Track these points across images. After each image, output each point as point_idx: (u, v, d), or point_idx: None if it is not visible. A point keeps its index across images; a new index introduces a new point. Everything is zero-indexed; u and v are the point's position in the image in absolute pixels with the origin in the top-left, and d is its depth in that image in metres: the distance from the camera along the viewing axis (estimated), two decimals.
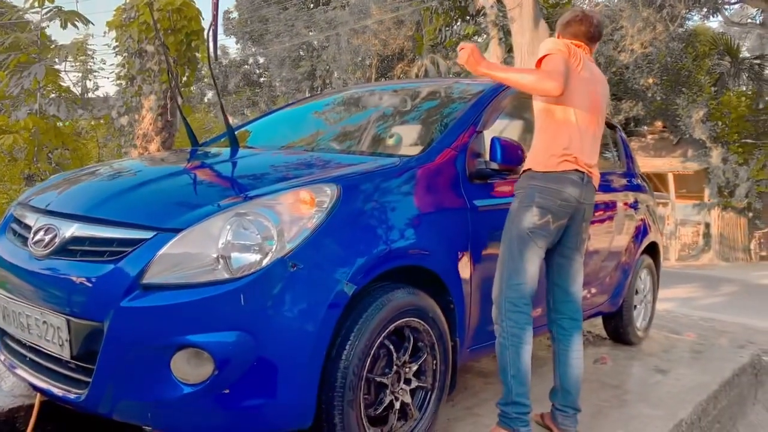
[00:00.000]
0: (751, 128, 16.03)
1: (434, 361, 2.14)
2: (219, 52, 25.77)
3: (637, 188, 3.80)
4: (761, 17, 14.84)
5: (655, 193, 4.52)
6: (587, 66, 2.34)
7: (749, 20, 16.75)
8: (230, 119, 2.83)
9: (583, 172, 2.26)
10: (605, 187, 3.24)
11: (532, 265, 2.21)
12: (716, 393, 3.09)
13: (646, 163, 16.80)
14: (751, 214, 16.39)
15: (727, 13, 16.56)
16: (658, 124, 18.40)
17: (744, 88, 16.87)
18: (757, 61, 16.50)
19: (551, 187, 2.20)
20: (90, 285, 1.72)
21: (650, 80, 16.26)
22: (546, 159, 2.24)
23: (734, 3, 15.21)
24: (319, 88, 21.03)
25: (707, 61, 16.32)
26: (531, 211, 2.20)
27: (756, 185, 15.80)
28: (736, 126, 16.12)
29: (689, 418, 2.70)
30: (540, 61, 2.21)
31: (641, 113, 17.33)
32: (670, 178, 18.52)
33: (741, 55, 16.91)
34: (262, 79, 26.69)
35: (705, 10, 15.11)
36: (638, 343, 3.88)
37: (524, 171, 2.31)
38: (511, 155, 2.36)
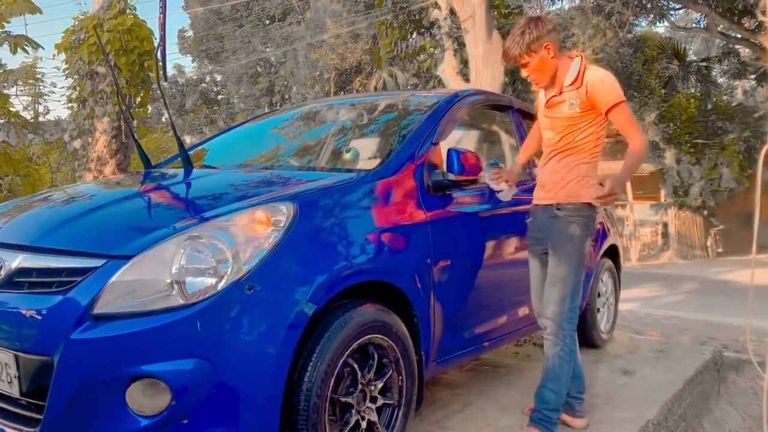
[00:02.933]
0: (701, 129, 16.56)
1: (400, 377, 2.12)
2: (174, 72, 25.52)
3: None
4: (705, 21, 15.42)
5: None
6: None
7: (694, 25, 17.37)
8: (188, 138, 2.78)
9: None
10: None
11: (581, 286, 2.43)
12: (681, 392, 3.13)
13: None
14: (706, 212, 16.89)
15: (672, 18, 17.15)
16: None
17: (693, 90, 17.45)
18: (704, 64, 17.11)
19: (595, 216, 2.42)
20: (39, 318, 1.66)
21: None
22: (587, 191, 2.36)
23: (679, 8, 15.73)
24: (278, 104, 20.95)
25: (656, 65, 16.81)
26: (589, 240, 2.41)
27: (709, 184, 16.31)
28: (687, 127, 16.62)
29: (656, 419, 2.73)
30: (616, 104, 2.27)
31: None
32: None
33: (688, 59, 17.51)
34: (220, 97, 26.45)
35: (651, 15, 15.61)
36: (603, 346, 3.92)
37: (582, 203, 2.37)
38: (468, 165, 2.38)
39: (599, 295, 3.86)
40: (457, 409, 2.74)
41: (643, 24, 17.43)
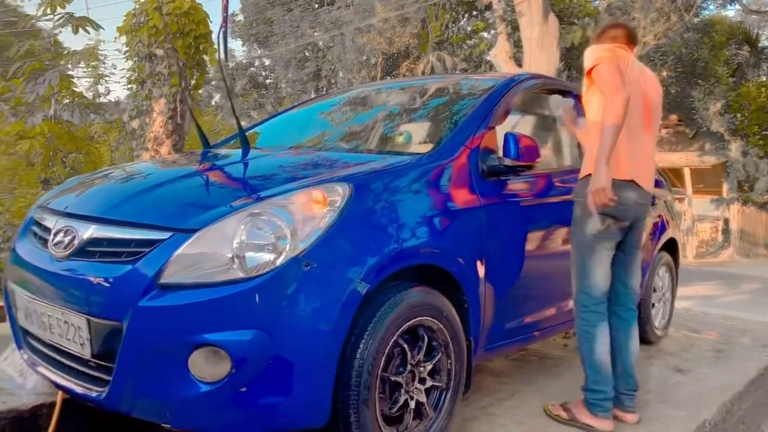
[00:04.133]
0: None
1: (449, 361, 2.14)
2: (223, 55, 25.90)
3: (655, 183, 3.75)
4: None
5: (672, 188, 4.46)
6: (635, 65, 2.41)
7: None
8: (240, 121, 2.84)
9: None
10: None
11: (600, 267, 2.39)
12: (741, 393, 3.02)
13: (661, 158, 16.58)
14: None
15: (744, 1, 16.29)
16: (673, 117, 18.15)
17: (764, 79, 16.55)
18: None
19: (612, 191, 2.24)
20: (109, 285, 1.75)
21: (664, 73, 16.06)
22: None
23: None
24: (324, 88, 21.07)
25: (725, 51, 16.02)
26: (593, 219, 2.33)
27: None
28: (756, 118, 15.78)
29: (713, 419, 2.65)
30: (590, 71, 2.31)
31: None
32: (687, 172, 18.26)
33: (761, 45, 16.59)
34: (268, 81, 26.78)
35: None
36: (657, 342, 3.82)
37: (582, 177, 2.40)
38: (525, 151, 2.35)
39: (655, 290, 3.75)
40: (503, 396, 2.74)
41: (712, 7, 16.64)
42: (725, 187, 16.99)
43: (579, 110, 3.20)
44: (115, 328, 1.71)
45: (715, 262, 15.69)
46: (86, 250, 1.87)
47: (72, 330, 1.83)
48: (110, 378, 1.72)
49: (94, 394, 1.77)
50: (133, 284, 1.69)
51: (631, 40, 2.50)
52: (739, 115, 15.76)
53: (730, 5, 15.88)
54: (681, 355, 3.67)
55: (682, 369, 3.37)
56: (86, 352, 1.80)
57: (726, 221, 17.34)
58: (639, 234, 2.51)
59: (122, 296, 1.71)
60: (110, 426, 2.19)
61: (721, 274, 11.82)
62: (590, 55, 2.35)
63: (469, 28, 16.11)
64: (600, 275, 2.39)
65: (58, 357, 1.94)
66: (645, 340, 3.72)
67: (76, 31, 7.35)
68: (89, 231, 1.90)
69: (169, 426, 1.73)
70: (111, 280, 1.74)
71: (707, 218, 18.14)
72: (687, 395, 2.92)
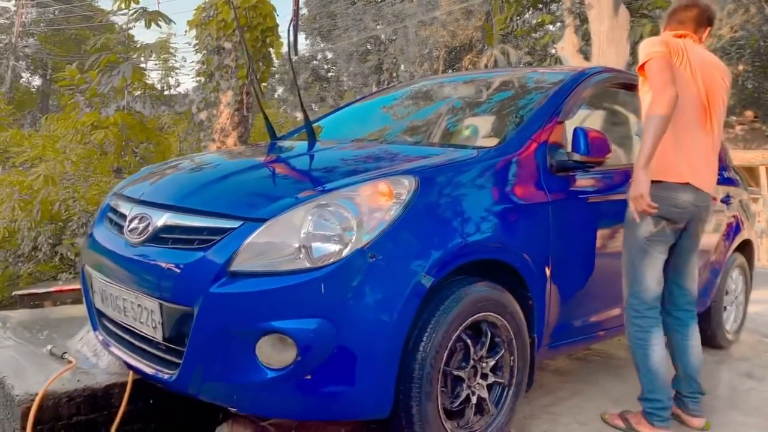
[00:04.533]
0: None
1: (511, 357, 2.11)
2: (285, 49, 26.36)
3: (729, 182, 3.57)
4: None
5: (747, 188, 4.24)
6: (694, 57, 2.30)
7: None
8: (298, 115, 2.88)
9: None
10: None
11: (653, 271, 2.30)
12: None
13: (735, 156, 15.69)
14: None
15: None
16: (749, 113, 17.23)
17: None
18: None
19: (663, 194, 2.21)
20: (181, 271, 1.80)
21: (740, 67, 15.24)
22: (656, 168, 2.19)
23: None
24: (386, 82, 21.09)
25: None
26: (646, 221, 2.26)
27: None
28: None
29: None
30: (642, 67, 2.25)
31: (730, 102, 16.29)
32: (762, 171, 17.31)
33: None
34: (330, 74, 27.05)
35: None
36: (728, 347, 3.67)
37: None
38: (596, 146, 2.28)
39: (727, 293, 3.59)
40: (565, 395, 2.68)
41: None
42: None
43: None
44: (186, 312, 1.76)
45: None
46: (160, 236, 1.94)
47: (145, 313, 1.90)
48: (180, 361, 1.78)
49: (165, 376, 1.84)
50: (204, 271, 1.74)
51: (701, 22, 2.39)
52: None
53: None
54: (753, 360, 3.52)
55: (754, 375, 3.23)
56: (158, 335, 1.87)
57: None
58: (696, 236, 2.41)
59: (193, 282, 1.76)
60: (178, 407, 2.27)
61: None
62: (643, 50, 2.27)
63: (534, 21, 15.74)
64: (652, 279, 2.30)
65: (131, 339, 2.03)
66: (716, 344, 3.60)
67: (148, 26, 7.63)
68: (163, 218, 1.97)
69: (235, 410, 1.77)
70: (183, 266, 1.80)
71: None
72: (759, 402, 2.80)
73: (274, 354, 1.68)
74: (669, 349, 2.45)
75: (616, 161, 2.96)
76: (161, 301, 1.83)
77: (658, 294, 2.33)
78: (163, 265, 1.85)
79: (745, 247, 3.71)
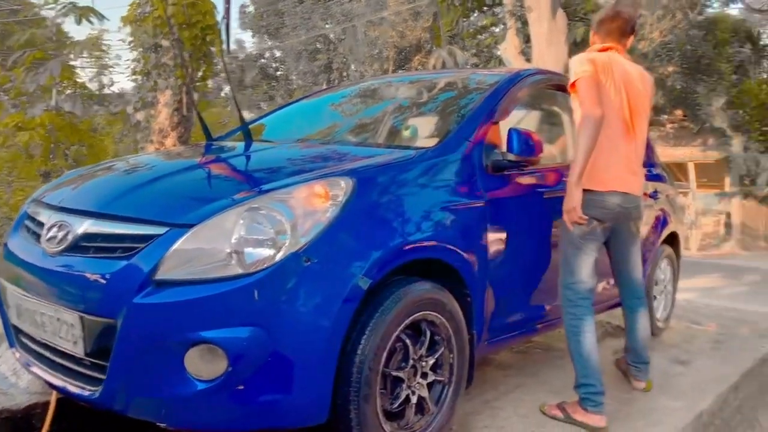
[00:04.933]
0: None
1: (451, 355, 2.11)
2: (235, 47, 25.90)
3: (657, 178, 3.72)
4: None
5: (675, 182, 4.44)
6: (618, 71, 2.47)
7: None
8: (246, 113, 2.81)
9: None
10: None
11: (586, 265, 2.46)
12: (737, 383, 3.04)
13: (665, 153, 16.53)
14: None
15: (747, 0, 16.21)
16: (678, 112, 18.11)
17: (765, 76, 16.53)
18: None
19: (593, 198, 2.40)
20: (103, 281, 1.71)
21: (670, 68, 15.99)
22: (586, 179, 2.37)
23: None
24: (336, 81, 20.99)
25: (728, 48, 16.00)
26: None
27: None
28: (758, 114, 15.82)
29: (710, 409, 2.67)
30: (573, 86, 2.43)
31: (660, 102, 17.05)
32: (691, 167, 18.24)
33: (762, 43, 16.57)
34: (278, 73, 26.69)
35: None
36: (659, 334, 3.82)
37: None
38: (529, 146, 2.32)
39: (656, 283, 3.75)
40: (507, 389, 2.72)
41: (716, 5, 16.57)
42: (728, 181, 16.99)
43: None
44: (109, 325, 1.68)
45: (717, 254, 15.68)
46: (80, 245, 1.84)
47: (65, 328, 1.79)
48: (104, 377, 1.69)
49: (87, 393, 1.74)
50: (128, 281, 1.66)
51: (625, 32, 2.60)
52: (741, 111, 15.77)
53: (733, 3, 15.89)
54: (682, 346, 3.67)
55: (682, 360, 3.36)
56: (79, 351, 1.77)
57: (728, 215, 17.34)
58: (631, 232, 2.63)
59: (116, 293, 1.67)
60: (105, 426, 2.16)
61: (722, 266, 11.83)
62: (573, 68, 2.45)
63: (480, 23, 16.01)
64: (585, 273, 2.46)
65: (51, 355, 1.91)
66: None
67: (79, 21, 7.31)
68: (84, 226, 1.87)
69: (164, 425, 1.70)
70: (105, 276, 1.71)
71: (710, 212, 18.12)
72: (686, 386, 2.93)
73: (204, 365, 1.62)
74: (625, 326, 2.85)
75: (550, 160, 3.03)
76: (81, 314, 1.74)
77: (591, 286, 2.48)
78: (83, 275, 1.75)
79: (673, 239, 3.87)
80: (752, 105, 15.83)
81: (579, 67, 2.41)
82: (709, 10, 16.45)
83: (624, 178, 2.47)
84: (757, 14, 17.13)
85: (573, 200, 2.32)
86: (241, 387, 1.63)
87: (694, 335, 3.97)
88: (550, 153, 3.08)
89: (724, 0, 15.71)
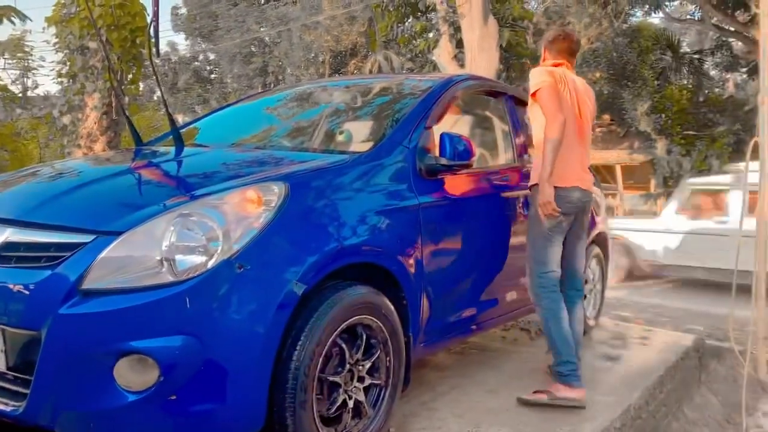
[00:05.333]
0: (692, 120, 16.62)
1: (387, 358, 2.14)
2: (168, 49, 25.19)
3: None
4: (699, 13, 15.43)
5: (603, 184, 4.64)
6: (570, 83, 2.77)
7: (688, 16, 17.37)
8: (180, 117, 2.76)
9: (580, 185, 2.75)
10: None
11: (555, 255, 2.73)
12: (662, 377, 3.17)
13: (594, 156, 17.12)
14: None
15: (667, 10, 17.16)
16: (606, 117, 18.89)
17: (685, 82, 17.50)
18: (697, 56, 17.15)
19: (560, 194, 2.64)
20: (26, 292, 1.65)
21: (597, 74, 16.69)
22: (553, 178, 2.61)
23: None
24: (272, 85, 20.75)
25: (651, 55, 16.83)
26: (548, 218, 2.66)
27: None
28: (679, 118, 16.68)
29: (637, 403, 2.78)
30: (534, 94, 2.68)
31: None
32: (618, 169, 19.03)
33: (682, 50, 17.55)
34: (213, 76, 26.13)
35: (647, 6, 15.60)
36: (589, 332, 3.93)
37: (532, 184, 2.74)
38: (461, 150, 2.39)
39: (586, 282, 3.88)
40: (444, 390, 2.77)
41: (639, 14, 17.43)
42: (653, 182, 17.83)
43: (512, 108, 3.30)
44: (33, 338, 1.62)
45: None
46: (1, 255, 1.76)
47: None
48: (28, 391, 1.63)
49: (10, 409, 1.67)
50: (53, 291, 1.61)
51: (572, 53, 2.92)
52: (663, 116, 16.61)
53: (655, 13, 16.72)
54: (611, 342, 3.81)
55: (611, 356, 3.50)
56: (1, 365, 1.70)
57: (654, 215, 18.18)
58: (582, 225, 2.90)
59: (40, 304, 1.62)
60: None
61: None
62: (533, 78, 2.70)
63: (414, 29, 16.23)
64: (554, 262, 2.73)
65: None
66: None
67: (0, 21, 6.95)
68: (5, 235, 1.79)
69: None
70: (28, 286, 1.65)
71: (637, 212, 18.97)
72: (616, 381, 3.04)
73: (134, 376, 1.58)
74: None
75: (483, 164, 3.12)
76: (3, 327, 1.67)
77: (559, 274, 2.75)
78: (5, 286, 1.67)
79: (601, 239, 4.03)
80: (674, 110, 16.70)
81: (539, 77, 2.67)
82: (633, 19, 17.29)
83: (580, 175, 2.76)
84: (677, 23, 18.17)
85: (546, 195, 2.57)
86: (174, 397, 1.60)
87: (623, 332, 4.13)
88: (482, 157, 3.17)
89: (646, 9, 16.55)
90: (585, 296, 3.88)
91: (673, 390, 3.35)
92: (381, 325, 2.09)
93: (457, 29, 10.55)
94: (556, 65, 2.81)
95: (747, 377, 3.43)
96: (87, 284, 1.60)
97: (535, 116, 2.75)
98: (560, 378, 2.64)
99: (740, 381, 3.53)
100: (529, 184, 2.81)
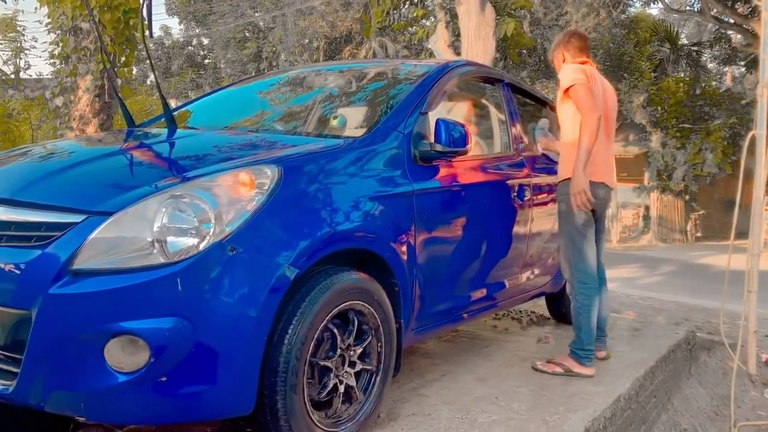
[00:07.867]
0: (688, 113, 16.64)
1: (379, 344, 2.14)
2: (161, 33, 24.95)
3: None
4: (699, 4, 15.39)
5: None
6: (599, 80, 2.87)
7: (687, 7, 17.33)
8: (173, 102, 2.73)
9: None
10: (551, 170, 3.30)
11: (591, 249, 2.89)
12: (653, 369, 3.20)
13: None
14: (687, 197, 17.09)
15: (666, 0, 17.10)
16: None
17: (682, 74, 17.48)
18: (695, 48, 17.11)
19: (590, 189, 2.70)
20: (17, 272, 1.64)
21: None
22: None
23: None
24: (266, 70, 20.61)
25: (648, 47, 16.79)
26: (579, 213, 2.80)
27: (692, 169, 16.48)
28: (675, 111, 16.68)
29: (627, 394, 2.79)
30: (567, 90, 2.76)
31: None
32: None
33: (680, 42, 17.50)
34: (206, 61, 25.93)
35: None
36: None
37: (562, 180, 2.87)
38: (456, 137, 2.37)
39: None
40: (434, 377, 2.78)
41: (637, 5, 17.38)
42: (646, 175, 17.87)
43: (508, 96, 3.29)
44: (23, 317, 1.61)
45: (636, 246, 16.54)
46: None
47: None
48: (18, 370, 1.62)
49: (0, 388, 1.66)
50: (43, 270, 1.60)
51: (589, 50, 2.99)
52: (659, 108, 16.60)
53: (654, 3, 16.68)
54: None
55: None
56: None
57: (647, 208, 18.27)
58: (604, 220, 3.12)
59: (31, 283, 1.61)
60: (25, 421, 2.07)
61: (641, 257, 12.50)
62: (567, 75, 2.77)
63: (410, 15, 16.12)
64: (591, 256, 2.89)
65: None
66: (570, 320, 3.85)
67: None
68: None
69: (83, 419, 1.65)
70: (19, 266, 1.63)
71: (630, 205, 19.04)
72: (606, 372, 3.05)
73: (125, 357, 1.58)
74: None
75: (478, 151, 3.11)
76: None
77: (596, 267, 2.91)
78: None
79: None
80: (670, 102, 16.69)
81: (573, 74, 2.74)
82: (631, 10, 17.22)
83: (608, 172, 2.88)
84: (675, 14, 18.12)
85: (581, 184, 2.66)
86: (164, 379, 1.60)
87: (614, 323, 4.14)
88: (478, 144, 3.16)
89: (645, 0, 16.50)
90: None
91: (663, 381, 3.37)
92: (373, 310, 2.09)
93: (455, 17, 10.49)
94: (582, 63, 2.88)
95: (736, 370, 3.45)
96: (77, 264, 1.59)
97: (567, 113, 2.83)
98: (578, 359, 2.89)
99: (729, 374, 3.56)
100: (557, 180, 2.89)
